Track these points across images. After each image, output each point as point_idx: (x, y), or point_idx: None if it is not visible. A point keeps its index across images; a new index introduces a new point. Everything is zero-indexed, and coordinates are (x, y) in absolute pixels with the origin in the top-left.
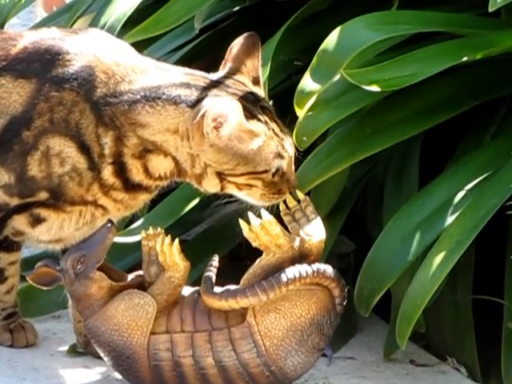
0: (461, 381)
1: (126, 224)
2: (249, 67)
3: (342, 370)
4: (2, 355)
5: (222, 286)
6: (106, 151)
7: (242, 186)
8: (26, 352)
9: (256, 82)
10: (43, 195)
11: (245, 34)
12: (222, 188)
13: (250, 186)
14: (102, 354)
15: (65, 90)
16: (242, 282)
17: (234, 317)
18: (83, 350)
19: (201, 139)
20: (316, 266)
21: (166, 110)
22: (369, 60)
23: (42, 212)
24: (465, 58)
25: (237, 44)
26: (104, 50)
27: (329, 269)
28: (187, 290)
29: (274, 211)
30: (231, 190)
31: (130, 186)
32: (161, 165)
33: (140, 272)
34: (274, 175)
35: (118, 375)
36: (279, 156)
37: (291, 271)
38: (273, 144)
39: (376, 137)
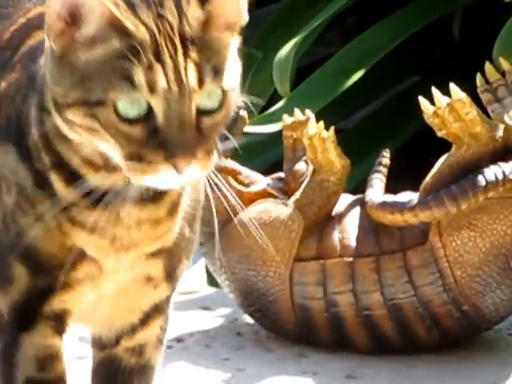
0: None
1: (261, 108)
2: None
3: None
4: None
5: (395, 192)
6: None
7: (83, 129)
8: None
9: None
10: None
11: None
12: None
13: (93, 130)
14: (226, 290)
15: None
16: (422, 186)
17: (410, 236)
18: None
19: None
20: None
21: None
22: None
23: None
24: None
25: None
26: None
27: None
28: (346, 200)
29: (470, 87)
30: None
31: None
32: None
33: (281, 174)
34: (124, 120)
35: (248, 318)
36: (143, 86)
37: (492, 172)
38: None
39: None
